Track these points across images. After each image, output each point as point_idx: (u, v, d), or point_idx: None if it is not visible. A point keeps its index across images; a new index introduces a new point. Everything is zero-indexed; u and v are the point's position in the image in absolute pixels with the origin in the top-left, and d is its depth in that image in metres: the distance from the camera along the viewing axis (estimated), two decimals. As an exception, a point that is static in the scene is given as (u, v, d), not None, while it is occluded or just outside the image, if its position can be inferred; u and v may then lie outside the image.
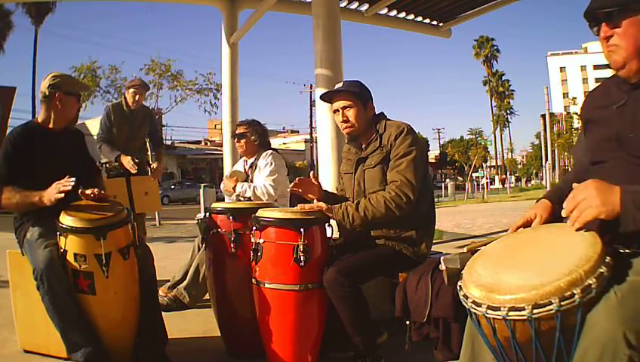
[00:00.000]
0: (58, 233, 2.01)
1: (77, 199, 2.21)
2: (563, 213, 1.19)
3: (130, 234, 2.13)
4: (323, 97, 2.36)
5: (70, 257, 1.98)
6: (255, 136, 3.25)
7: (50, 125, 2.31)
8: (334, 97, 2.30)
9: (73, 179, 2.05)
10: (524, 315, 1.05)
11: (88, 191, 2.23)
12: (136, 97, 4.04)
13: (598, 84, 1.49)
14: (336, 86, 2.33)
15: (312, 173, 2.35)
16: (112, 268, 1.99)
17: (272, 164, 3.13)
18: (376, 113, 2.30)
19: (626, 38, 1.24)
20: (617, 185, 1.14)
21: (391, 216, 2.05)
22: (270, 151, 3.24)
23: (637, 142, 1.25)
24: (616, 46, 1.27)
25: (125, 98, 4.09)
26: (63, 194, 2.02)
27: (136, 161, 3.75)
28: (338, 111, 2.27)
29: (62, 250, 2.00)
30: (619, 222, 1.12)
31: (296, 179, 2.28)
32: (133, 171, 3.75)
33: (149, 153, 4.22)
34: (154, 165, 4.05)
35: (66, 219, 2.01)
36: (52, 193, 2.04)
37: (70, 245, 1.99)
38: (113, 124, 3.98)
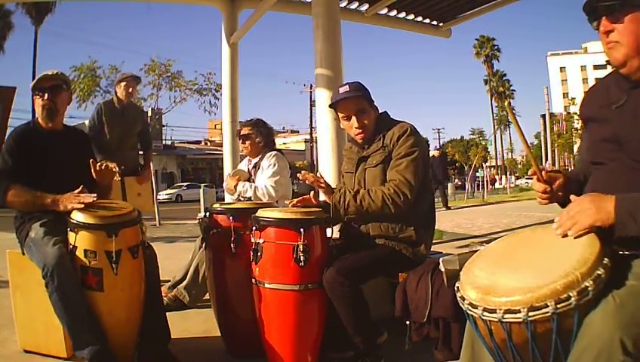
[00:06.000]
0: (69, 229, 2.03)
1: None
2: (555, 227, 1.19)
3: (139, 233, 2.15)
4: (332, 105, 2.27)
5: (80, 253, 1.99)
6: (260, 138, 3.22)
7: (43, 124, 2.38)
8: (344, 103, 2.21)
9: (94, 195, 2.08)
10: (519, 318, 1.04)
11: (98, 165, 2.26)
12: (129, 90, 4.01)
13: (597, 81, 1.45)
14: (343, 90, 2.23)
15: (312, 193, 2.31)
16: (121, 265, 2.00)
17: (275, 165, 3.10)
18: (380, 112, 2.29)
19: (627, 34, 1.20)
20: (614, 193, 1.13)
21: (385, 212, 2.07)
22: (274, 152, 3.21)
23: (636, 145, 1.22)
24: (616, 42, 1.22)
25: (117, 95, 4.04)
26: (82, 205, 2.04)
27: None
28: (350, 117, 2.21)
29: (71, 246, 2.00)
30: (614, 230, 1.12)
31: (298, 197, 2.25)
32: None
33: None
34: (144, 174, 4.12)
35: (78, 216, 2.02)
36: (70, 201, 2.06)
37: (81, 241, 1.99)
38: (104, 123, 3.96)
